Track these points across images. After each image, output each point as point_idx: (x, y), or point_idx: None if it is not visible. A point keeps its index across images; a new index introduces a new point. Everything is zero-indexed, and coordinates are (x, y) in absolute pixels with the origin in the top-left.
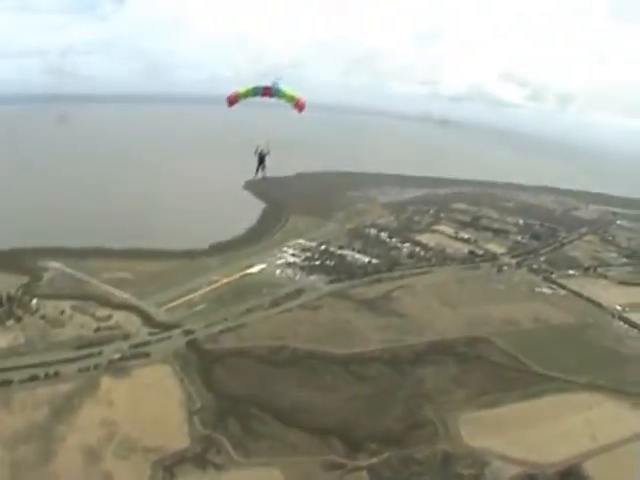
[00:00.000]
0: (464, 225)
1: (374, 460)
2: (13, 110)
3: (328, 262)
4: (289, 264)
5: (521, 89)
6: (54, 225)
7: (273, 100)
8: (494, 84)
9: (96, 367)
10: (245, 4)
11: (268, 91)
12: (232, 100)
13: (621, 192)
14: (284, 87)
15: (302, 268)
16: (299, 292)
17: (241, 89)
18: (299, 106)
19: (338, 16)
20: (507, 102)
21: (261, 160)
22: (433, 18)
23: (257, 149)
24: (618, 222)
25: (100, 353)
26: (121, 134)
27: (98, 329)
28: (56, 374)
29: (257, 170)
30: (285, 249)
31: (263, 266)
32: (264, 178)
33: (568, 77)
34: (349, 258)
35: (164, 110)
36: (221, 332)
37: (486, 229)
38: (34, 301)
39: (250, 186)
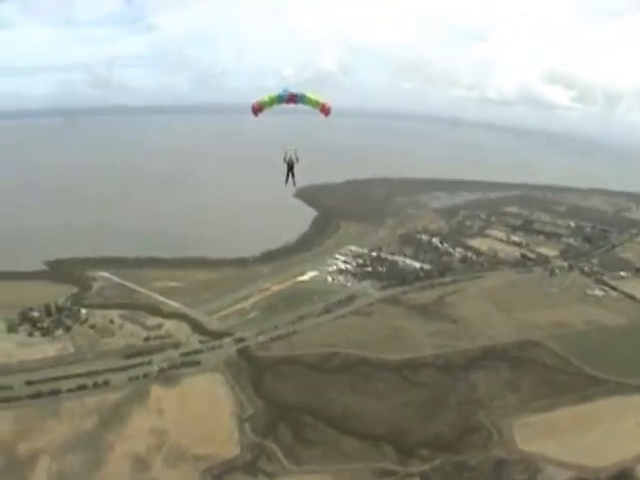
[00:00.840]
0: (516, 229)
1: (426, 467)
2: (60, 122)
3: (380, 268)
4: (341, 271)
5: (568, 91)
6: (104, 236)
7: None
8: (541, 86)
9: (146, 376)
10: (291, 11)
11: (293, 98)
12: (257, 109)
13: None
14: (308, 93)
15: (354, 274)
16: (351, 298)
17: (265, 97)
18: (325, 111)
19: (385, 21)
20: (555, 104)
21: (290, 168)
22: (477, 19)
23: (285, 156)
24: None
25: (150, 362)
26: (169, 146)
27: (148, 338)
28: (105, 383)
29: (287, 178)
30: (337, 256)
31: (315, 273)
32: (294, 185)
33: (615, 77)
34: (401, 264)
35: (212, 120)
36: (272, 340)
37: (538, 232)
38: (83, 311)
39: (301, 194)
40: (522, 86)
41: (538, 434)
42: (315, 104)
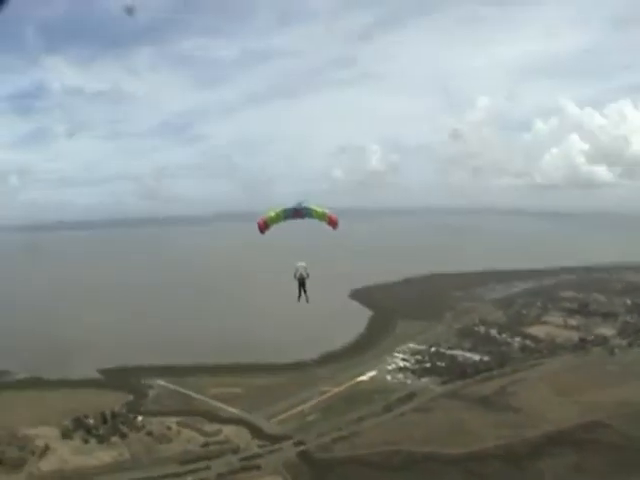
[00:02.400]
0: (572, 312)
1: None
2: (112, 233)
3: (439, 363)
4: (400, 369)
5: (613, 168)
6: (159, 344)
7: (373, 210)
8: (586, 167)
9: None
10: (337, 115)
11: (299, 213)
12: (262, 226)
13: None
14: (313, 206)
15: (413, 372)
16: (411, 395)
17: (270, 213)
18: (332, 223)
19: (430, 119)
20: (601, 182)
21: (302, 284)
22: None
23: (296, 273)
24: None
25: (208, 467)
26: (222, 252)
27: (206, 444)
28: None
29: (299, 295)
30: (395, 354)
31: (374, 373)
32: (307, 302)
33: None
34: (460, 358)
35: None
36: (333, 441)
37: (594, 314)
38: (139, 418)
39: (356, 295)
40: (568, 169)
41: None
42: (322, 217)
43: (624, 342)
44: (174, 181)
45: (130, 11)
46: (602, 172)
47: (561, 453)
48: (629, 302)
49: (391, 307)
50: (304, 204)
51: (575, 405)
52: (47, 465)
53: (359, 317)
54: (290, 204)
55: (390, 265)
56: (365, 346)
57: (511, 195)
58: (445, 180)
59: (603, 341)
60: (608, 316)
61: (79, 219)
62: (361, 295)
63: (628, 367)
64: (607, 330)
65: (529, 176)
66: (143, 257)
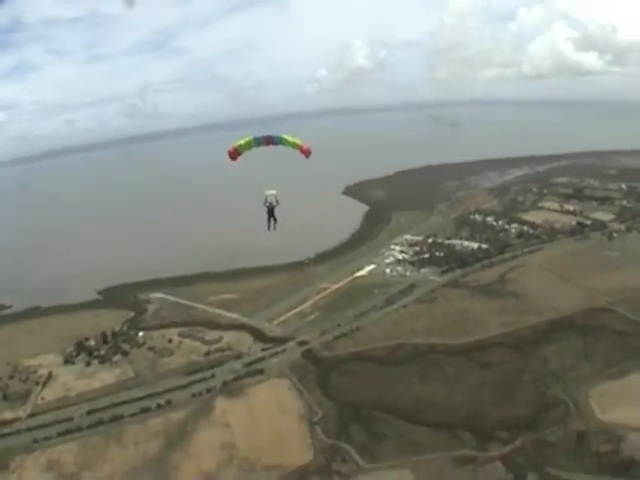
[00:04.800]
0: (568, 198)
1: (506, 449)
2: (101, 155)
3: (437, 254)
4: (398, 261)
5: (603, 55)
6: (154, 259)
7: (361, 107)
8: (575, 55)
9: (209, 390)
10: (317, 15)
11: (270, 140)
12: (233, 154)
13: None
14: (284, 134)
15: (412, 263)
16: (412, 287)
17: (240, 141)
18: (305, 152)
19: (413, 11)
20: (591, 70)
21: (271, 212)
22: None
23: (265, 200)
24: None
25: (213, 376)
26: (210, 162)
27: (209, 352)
28: (168, 403)
29: (269, 223)
30: (392, 247)
31: (372, 267)
32: (274, 230)
33: None
34: (458, 247)
35: (252, 132)
36: (336, 338)
37: (590, 198)
38: (140, 334)
39: (349, 191)
40: (556, 58)
41: (616, 402)
42: (293, 145)
43: (622, 227)
44: (158, 97)
45: (130, 3)
46: (591, 59)
47: (565, 339)
48: (624, 187)
49: (385, 201)
50: (275, 133)
51: (577, 290)
52: (51, 393)
53: (354, 213)
54: (260, 132)
55: (382, 160)
56: (361, 241)
57: (500, 86)
58: (432, 74)
59: (601, 226)
60: (604, 200)
61: (68, 145)
62: (354, 191)
63: (627, 252)
64: (604, 215)
65: (517, 66)
66: (132, 176)
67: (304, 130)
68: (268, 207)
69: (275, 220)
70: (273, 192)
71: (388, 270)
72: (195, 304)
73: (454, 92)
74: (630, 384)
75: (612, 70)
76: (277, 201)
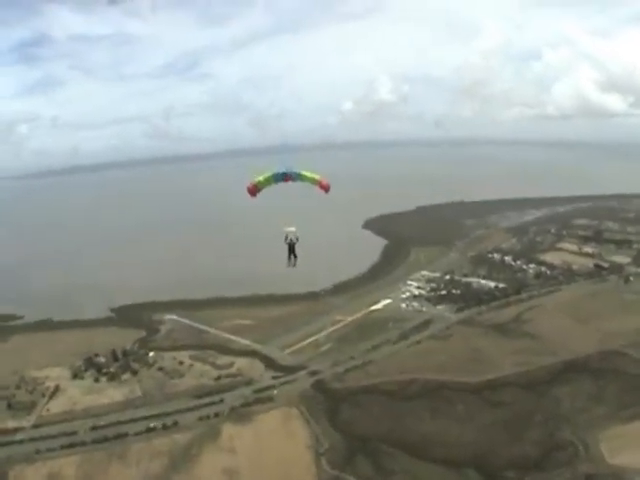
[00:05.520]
0: (587, 240)
1: None
2: (122, 175)
3: (454, 291)
4: (414, 297)
5: (625, 96)
6: (170, 280)
7: (383, 142)
8: (598, 96)
9: (217, 415)
10: (344, 49)
11: (288, 177)
12: (252, 191)
13: None
14: (303, 171)
15: (428, 299)
16: (427, 323)
17: (259, 177)
18: (323, 187)
19: (439, 48)
20: (613, 112)
21: (291, 249)
22: (525, 40)
23: (286, 238)
24: None
25: (222, 401)
26: (231, 187)
27: (219, 377)
28: (175, 424)
29: (289, 259)
30: (409, 282)
31: (388, 301)
32: (294, 267)
33: None
34: (475, 285)
35: (272, 160)
36: (348, 371)
37: (609, 241)
38: (151, 354)
39: (369, 224)
40: (580, 99)
41: (626, 445)
42: (312, 181)
43: (639, 270)
44: (183, 120)
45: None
46: (614, 101)
47: (578, 381)
48: None
49: (404, 236)
50: (293, 169)
51: (592, 333)
52: (57, 406)
53: (373, 246)
54: (279, 169)
55: (403, 195)
56: (379, 275)
57: (522, 126)
58: (455, 111)
59: (618, 269)
60: (622, 244)
61: (89, 162)
62: (374, 224)
63: None
64: (622, 258)
65: (540, 106)
66: (153, 196)
67: (326, 162)
68: (289, 244)
69: (295, 257)
70: (293, 229)
71: (404, 305)
72: (208, 328)
73: (477, 130)
74: None
75: (634, 112)
76: (297, 238)
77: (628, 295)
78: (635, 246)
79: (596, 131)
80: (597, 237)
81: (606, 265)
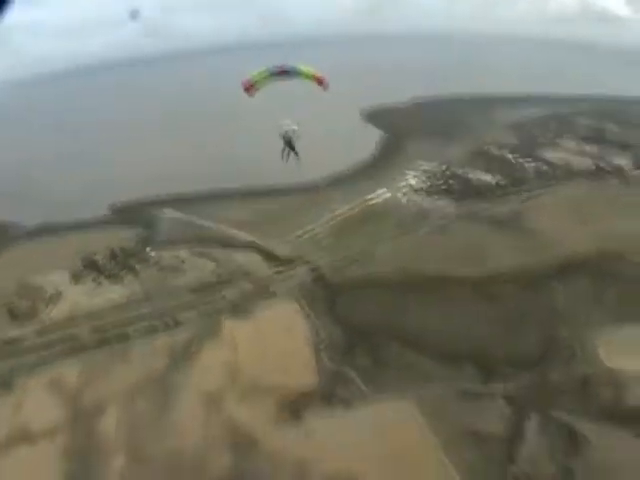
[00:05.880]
0: (588, 140)
1: (511, 386)
2: (121, 74)
3: (453, 184)
4: (413, 189)
5: (632, 1)
6: (168, 175)
7: (385, 35)
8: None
9: (217, 310)
10: None
11: (284, 72)
12: (248, 87)
13: None
14: (300, 65)
15: (426, 192)
16: (425, 216)
17: (254, 73)
18: (321, 83)
19: None
20: (618, 16)
21: (289, 144)
22: None
23: (281, 132)
24: None
25: (222, 296)
26: (232, 82)
27: (219, 272)
28: (175, 322)
29: (285, 154)
30: (407, 174)
31: (386, 193)
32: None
33: None
34: (474, 179)
35: (280, 55)
36: (347, 263)
37: (611, 143)
38: (151, 252)
39: (367, 115)
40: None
41: (624, 349)
42: (310, 77)
43: None
44: (181, 17)
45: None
46: (619, 4)
47: (577, 281)
48: None
49: (402, 128)
50: (289, 64)
51: (591, 234)
52: (59, 312)
53: (370, 138)
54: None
55: (403, 88)
56: (377, 166)
57: (524, 24)
58: (452, 5)
59: (619, 171)
60: (624, 146)
61: (86, 65)
62: (372, 115)
63: None
64: (623, 160)
65: (543, 6)
66: (152, 93)
67: (331, 55)
68: (285, 138)
69: (296, 153)
70: (289, 122)
71: (402, 197)
72: (207, 222)
73: (480, 25)
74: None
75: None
76: (296, 133)
77: (628, 198)
78: (637, 150)
79: (599, 34)
80: (598, 137)
81: (607, 167)
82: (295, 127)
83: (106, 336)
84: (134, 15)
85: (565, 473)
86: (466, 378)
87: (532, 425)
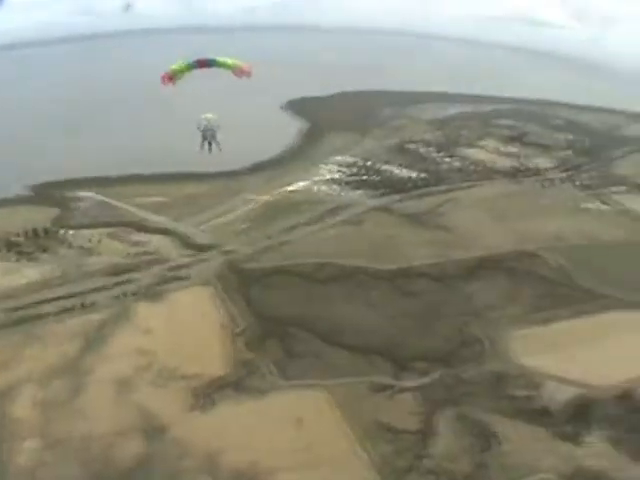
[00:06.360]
0: (510, 140)
1: (423, 380)
2: (51, 52)
3: (372, 177)
4: (330, 180)
5: (563, 8)
6: (89, 157)
7: (309, 26)
8: (535, 3)
9: (132, 294)
10: None
11: (204, 63)
12: (167, 80)
13: None
14: (220, 58)
15: (344, 184)
16: (342, 208)
17: (174, 65)
18: (245, 73)
19: None
20: (549, 23)
21: (207, 138)
22: None
23: (200, 126)
24: None
25: (136, 279)
26: (153, 65)
27: (135, 255)
28: (91, 304)
29: (202, 145)
30: (327, 165)
31: (304, 183)
32: (220, 150)
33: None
34: (394, 173)
35: (199, 41)
36: (263, 250)
37: (532, 145)
38: (69, 232)
39: (289, 105)
40: (519, 6)
41: (537, 348)
42: (231, 67)
43: (561, 176)
44: None
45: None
46: (552, 11)
47: (492, 278)
48: (567, 138)
49: (323, 119)
50: (208, 56)
51: (508, 232)
52: None
53: (290, 128)
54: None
55: (330, 81)
56: (296, 156)
57: (456, 24)
58: (383, 2)
59: (538, 172)
60: (545, 148)
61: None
62: (293, 106)
63: (561, 202)
64: (544, 162)
65: (474, 5)
66: (75, 74)
67: (253, 44)
68: (202, 132)
69: (217, 144)
70: (210, 115)
71: (319, 188)
72: (125, 205)
73: (414, 23)
74: (553, 332)
75: (571, 24)
76: (216, 125)
77: (545, 200)
78: (556, 153)
79: (528, 38)
80: (521, 139)
81: (526, 167)
82: (214, 117)
83: (22, 315)
84: (126, 8)
85: (480, 468)
86: (379, 371)
87: (445, 420)
